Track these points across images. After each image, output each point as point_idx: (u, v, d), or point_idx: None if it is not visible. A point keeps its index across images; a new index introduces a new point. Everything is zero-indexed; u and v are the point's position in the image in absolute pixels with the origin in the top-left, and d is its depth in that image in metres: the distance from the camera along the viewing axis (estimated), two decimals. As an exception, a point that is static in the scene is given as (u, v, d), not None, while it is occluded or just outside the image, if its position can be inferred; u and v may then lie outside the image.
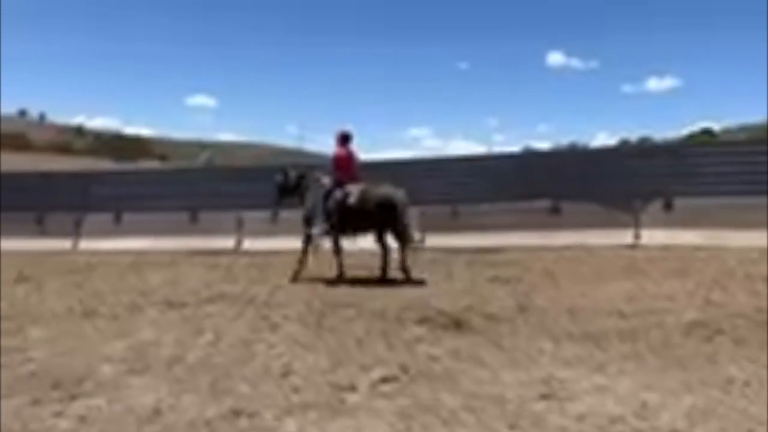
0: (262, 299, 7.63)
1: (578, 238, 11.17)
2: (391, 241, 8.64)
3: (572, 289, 7.63)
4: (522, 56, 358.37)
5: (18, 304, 7.83)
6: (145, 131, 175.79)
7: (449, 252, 10.97)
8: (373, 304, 7.08)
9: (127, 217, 13.71)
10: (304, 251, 8.88)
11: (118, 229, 13.65)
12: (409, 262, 8.50)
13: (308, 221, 8.83)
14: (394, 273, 8.51)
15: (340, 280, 8.48)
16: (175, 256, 11.95)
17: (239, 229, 13.13)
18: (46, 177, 14.49)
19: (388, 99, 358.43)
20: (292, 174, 9.24)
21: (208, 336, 5.95)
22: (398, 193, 8.43)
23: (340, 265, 8.66)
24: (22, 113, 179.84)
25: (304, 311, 6.85)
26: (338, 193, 8.50)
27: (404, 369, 4.76)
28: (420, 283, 8.25)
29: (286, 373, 4.76)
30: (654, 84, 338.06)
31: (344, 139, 8.90)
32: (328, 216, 8.52)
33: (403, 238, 8.43)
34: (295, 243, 9.78)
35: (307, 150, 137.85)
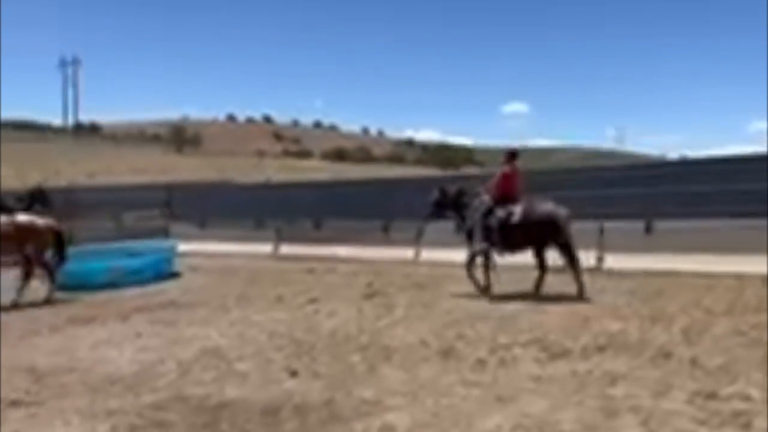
0: (684, 354, 5.22)
1: None
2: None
3: None
4: None
5: (368, 328, 6.84)
6: (464, 140, 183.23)
7: None
8: None
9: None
10: (469, 267, 8.79)
11: (459, 238, 12.50)
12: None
13: (470, 237, 8.82)
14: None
15: (485, 294, 8.43)
16: (527, 271, 10.12)
17: (600, 242, 10.78)
18: (390, 184, 14.25)
19: (722, 86, 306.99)
20: (451, 190, 9.23)
21: (633, 422, 3.84)
22: (561, 210, 8.34)
23: (488, 283, 8.61)
24: (365, 131, 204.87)
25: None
26: (501, 212, 8.48)
27: None
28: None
29: None
30: None
31: (511, 156, 8.93)
32: (487, 233, 8.47)
33: (568, 255, 8.26)
34: (684, 263, 7.67)
35: (623, 151, 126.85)
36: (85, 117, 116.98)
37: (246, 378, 5.23)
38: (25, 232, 9.06)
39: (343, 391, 4.72)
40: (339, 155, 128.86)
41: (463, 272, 9.17)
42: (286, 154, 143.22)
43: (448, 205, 9.16)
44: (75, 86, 66.38)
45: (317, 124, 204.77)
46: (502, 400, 4.35)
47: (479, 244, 8.65)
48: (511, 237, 8.37)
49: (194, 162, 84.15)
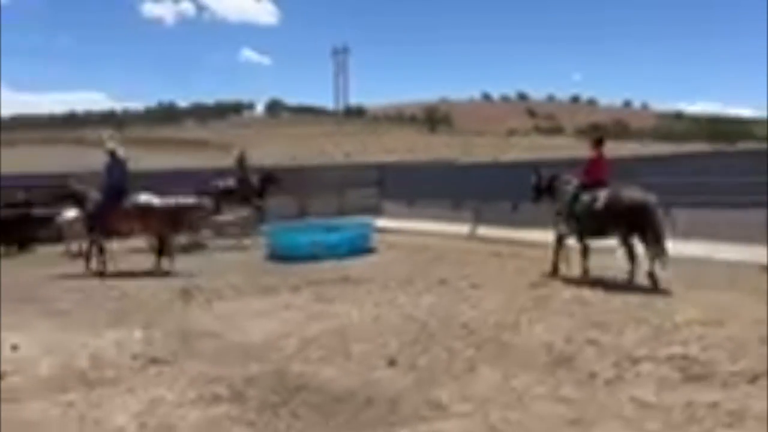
0: None
1: None
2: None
3: None
4: None
5: (504, 322, 6.39)
6: (746, 112, 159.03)
7: None
8: None
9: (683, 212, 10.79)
10: (556, 251, 8.93)
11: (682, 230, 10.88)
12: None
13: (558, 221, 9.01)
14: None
15: (585, 280, 8.38)
16: (746, 271, 8.43)
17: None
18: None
19: None
20: (545, 174, 9.38)
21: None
22: (649, 197, 8.09)
23: (586, 268, 8.64)
24: (627, 104, 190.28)
25: None
26: (586, 197, 8.51)
27: None
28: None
29: None
30: None
31: (598, 142, 8.96)
32: (572, 217, 8.65)
33: (653, 244, 7.87)
34: None
35: None
36: (354, 101, 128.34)
37: (348, 360, 5.31)
38: (144, 212, 10.16)
39: (422, 388, 4.52)
40: (593, 131, 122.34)
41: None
42: (537, 131, 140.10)
43: (543, 189, 9.41)
44: (345, 73, 73.58)
45: (574, 99, 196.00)
46: (579, 425, 3.75)
47: (564, 228, 8.84)
48: (595, 223, 8.37)
49: (443, 141, 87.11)
